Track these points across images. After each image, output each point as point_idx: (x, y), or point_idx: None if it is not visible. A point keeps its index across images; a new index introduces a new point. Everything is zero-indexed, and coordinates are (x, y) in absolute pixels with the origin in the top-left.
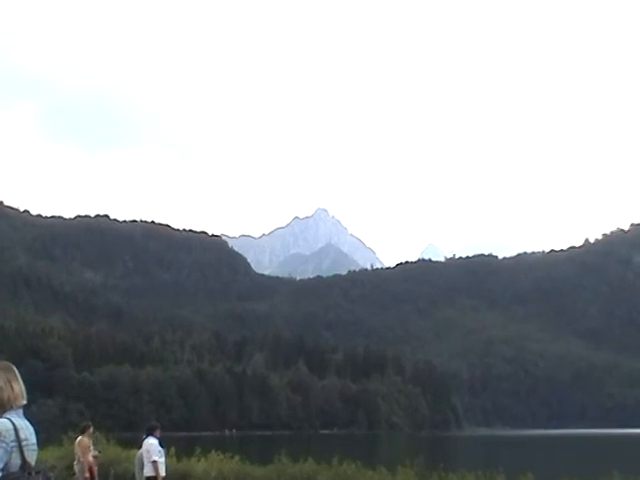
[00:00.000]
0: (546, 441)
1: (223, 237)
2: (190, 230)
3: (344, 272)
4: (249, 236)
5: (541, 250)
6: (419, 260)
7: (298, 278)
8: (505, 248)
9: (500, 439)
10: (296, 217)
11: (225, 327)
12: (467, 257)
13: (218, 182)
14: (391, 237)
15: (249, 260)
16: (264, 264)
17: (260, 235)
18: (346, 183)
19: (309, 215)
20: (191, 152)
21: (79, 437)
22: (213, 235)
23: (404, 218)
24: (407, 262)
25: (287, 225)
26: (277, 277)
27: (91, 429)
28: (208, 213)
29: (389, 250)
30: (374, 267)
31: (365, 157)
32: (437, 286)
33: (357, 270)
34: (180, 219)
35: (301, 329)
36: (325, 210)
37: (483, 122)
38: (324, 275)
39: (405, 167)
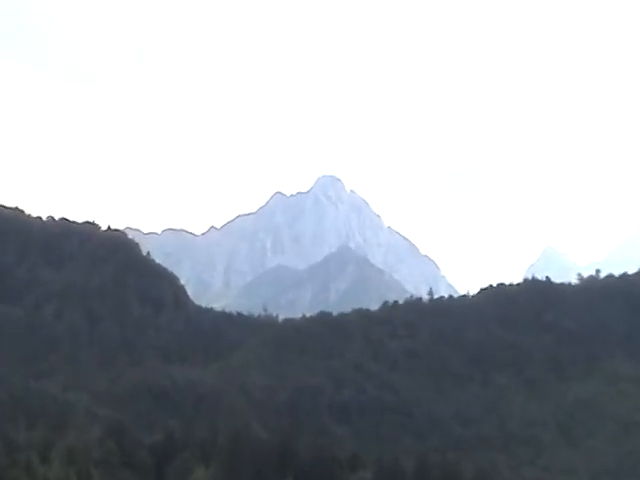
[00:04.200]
0: None
1: (131, 232)
2: (64, 219)
3: (375, 305)
4: (183, 231)
5: None
6: (526, 281)
7: (282, 317)
8: None
9: None
10: (278, 193)
11: (134, 414)
12: (624, 275)
13: (123, 127)
14: (470, 236)
15: (183, 280)
16: (214, 287)
17: (206, 229)
18: (376, 136)
19: (304, 190)
20: (73, 75)
21: None
22: (110, 229)
23: (493, 202)
24: (501, 285)
25: (259, 209)
26: (240, 314)
27: None
28: (101, 188)
29: (465, 262)
30: (436, 295)
31: (410, 92)
32: (564, 333)
33: (402, 302)
34: (43, 200)
35: (288, 420)
36: (337, 180)
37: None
38: (334, 311)
39: (496, 116)
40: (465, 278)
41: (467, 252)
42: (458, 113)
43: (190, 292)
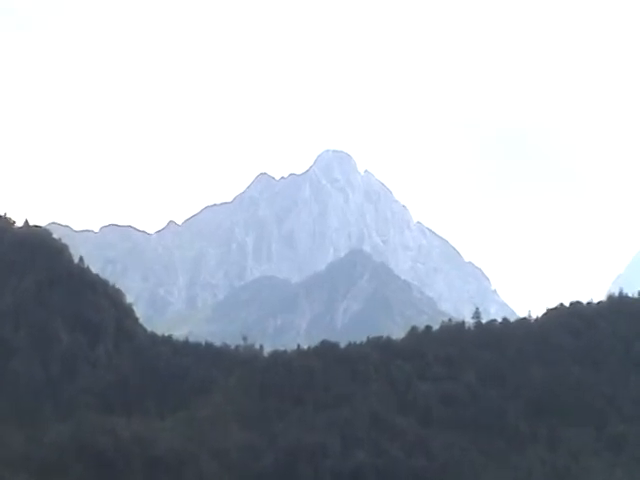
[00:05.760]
0: None
1: (58, 230)
2: None
3: (399, 331)
4: (131, 228)
5: None
6: (611, 298)
7: (268, 348)
8: None
9: None
10: (263, 174)
11: None
12: None
13: (50, 93)
14: (531, 238)
15: (131, 296)
16: (174, 307)
17: (162, 226)
18: (400, 98)
19: (299, 172)
20: None
21: None
22: (29, 226)
23: (562, 192)
24: (576, 304)
25: (237, 198)
26: (210, 345)
27: None
28: (17, 170)
29: (525, 272)
30: (484, 318)
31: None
32: None
33: (437, 327)
34: None
35: None
36: (346, 156)
37: None
38: (342, 340)
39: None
40: (525, 294)
41: (527, 259)
42: (519, 82)
43: (140, 314)
